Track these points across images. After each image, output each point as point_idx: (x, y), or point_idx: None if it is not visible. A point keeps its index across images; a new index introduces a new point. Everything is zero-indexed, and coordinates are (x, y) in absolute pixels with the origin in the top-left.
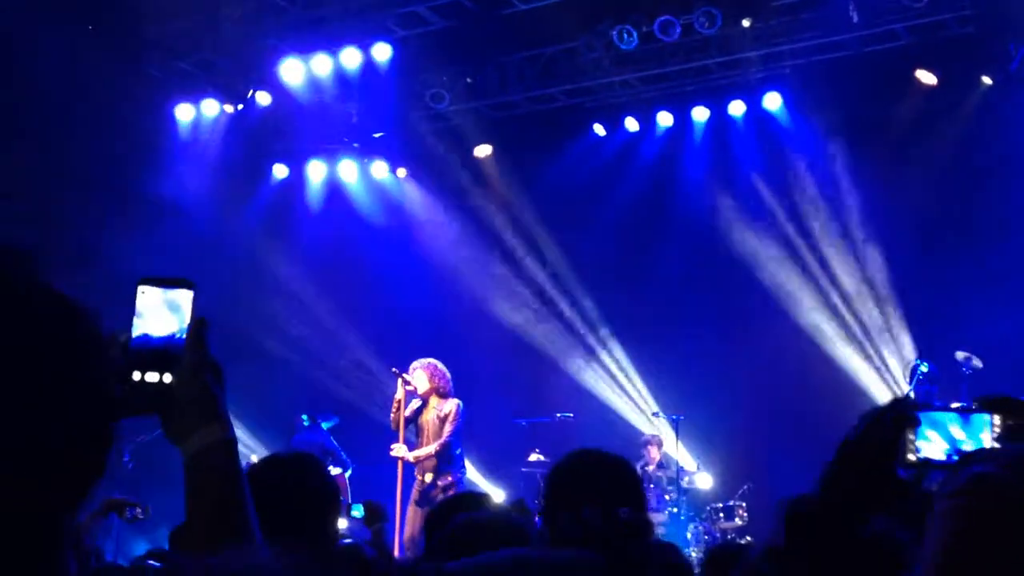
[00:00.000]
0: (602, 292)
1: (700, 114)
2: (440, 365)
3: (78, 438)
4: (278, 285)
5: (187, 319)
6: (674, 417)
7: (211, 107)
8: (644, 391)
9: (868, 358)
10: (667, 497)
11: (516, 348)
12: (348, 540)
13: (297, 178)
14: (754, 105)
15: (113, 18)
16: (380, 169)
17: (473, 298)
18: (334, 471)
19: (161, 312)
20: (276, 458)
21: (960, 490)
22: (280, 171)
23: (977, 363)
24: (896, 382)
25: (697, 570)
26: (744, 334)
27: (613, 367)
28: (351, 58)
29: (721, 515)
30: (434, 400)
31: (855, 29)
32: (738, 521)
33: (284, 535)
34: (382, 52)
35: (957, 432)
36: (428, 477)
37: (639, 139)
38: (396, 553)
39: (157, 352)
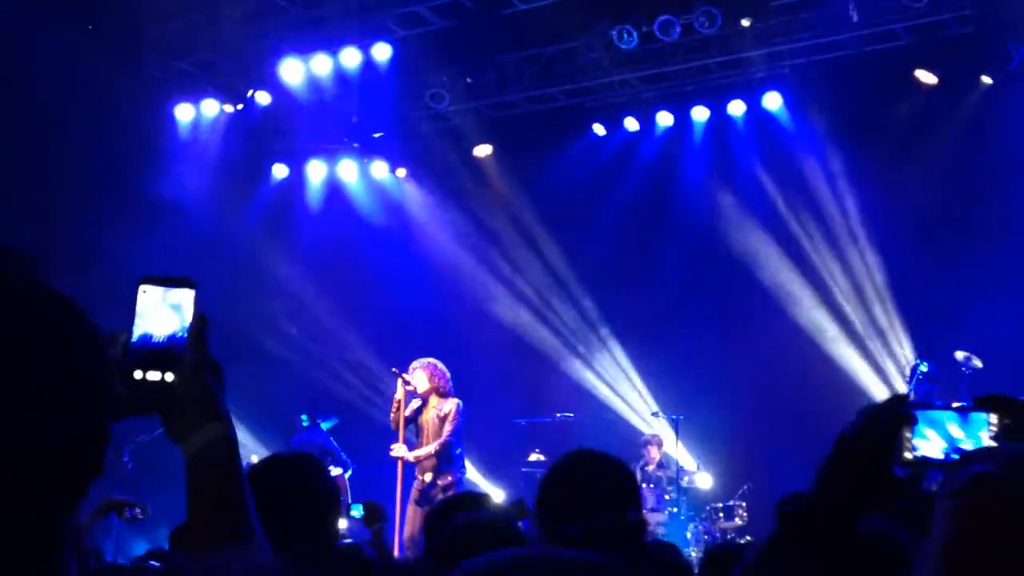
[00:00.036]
0: (602, 292)
1: (700, 114)
2: (440, 365)
3: (77, 437)
4: (278, 285)
5: (188, 318)
6: (674, 417)
7: (211, 107)
8: (644, 391)
9: (868, 358)
10: (667, 497)
11: (516, 348)
12: (348, 540)
13: (297, 178)
14: (754, 105)
15: (113, 18)
16: (380, 169)
17: (473, 298)
18: (334, 471)
19: (162, 311)
20: (276, 458)
21: (960, 489)
22: (280, 171)
23: (977, 363)
24: (895, 382)
25: (697, 570)
26: (744, 334)
27: (613, 367)
28: (351, 58)
29: (721, 515)
30: (434, 400)
31: (855, 29)
32: (738, 521)
33: (284, 535)
34: (382, 52)
35: (955, 431)
36: (428, 477)
37: (639, 139)
38: (396, 553)
39: (158, 351)
